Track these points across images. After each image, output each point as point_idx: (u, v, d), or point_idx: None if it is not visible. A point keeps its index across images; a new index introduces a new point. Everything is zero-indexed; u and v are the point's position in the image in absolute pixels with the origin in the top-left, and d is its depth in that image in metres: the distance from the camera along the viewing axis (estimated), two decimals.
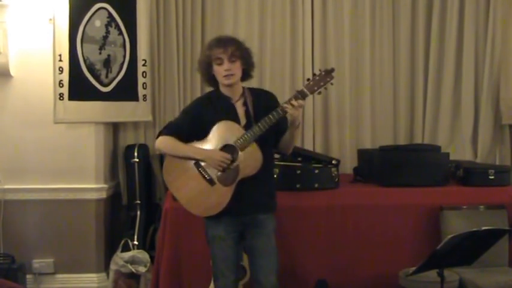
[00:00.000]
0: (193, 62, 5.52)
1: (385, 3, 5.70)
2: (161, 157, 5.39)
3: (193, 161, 3.58)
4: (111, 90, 5.18)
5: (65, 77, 4.99)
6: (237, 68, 3.55)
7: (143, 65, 5.28)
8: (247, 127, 3.52)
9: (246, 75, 3.64)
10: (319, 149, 5.58)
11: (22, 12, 5.04)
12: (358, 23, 5.69)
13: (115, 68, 5.19)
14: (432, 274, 3.51)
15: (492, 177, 4.74)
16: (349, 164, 5.45)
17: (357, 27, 5.69)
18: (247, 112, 3.59)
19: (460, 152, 5.65)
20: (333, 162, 4.69)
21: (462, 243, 3.40)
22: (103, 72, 5.14)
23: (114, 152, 5.52)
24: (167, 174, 3.70)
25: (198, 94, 5.53)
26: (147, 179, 5.42)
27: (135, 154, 5.33)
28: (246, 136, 3.47)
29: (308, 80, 3.51)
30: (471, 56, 5.64)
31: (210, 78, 3.64)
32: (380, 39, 5.72)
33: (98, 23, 5.09)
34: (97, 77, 5.11)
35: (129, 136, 5.51)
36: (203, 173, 3.56)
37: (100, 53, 5.12)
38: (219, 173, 3.53)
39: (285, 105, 3.42)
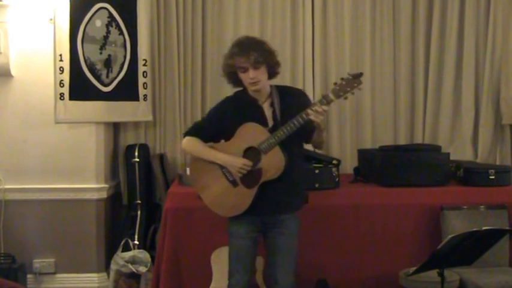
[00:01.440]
0: (194, 62, 5.55)
1: (386, 4, 5.70)
2: (161, 157, 5.41)
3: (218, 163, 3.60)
4: (111, 90, 5.19)
5: (66, 77, 4.99)
6: (262, 74, 3.49)
7: (144, 64, 5.29)
8: (273, 129, 3.49)
9: (272, 74, 3.59)
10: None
11: (23, 12, 5.04)
12: (358, 23, 5.69)
13: (115, 68, 5.19)
14: (433, 274, 3.51)
15: (492, 177, 4.73)
16: (349, 164, 5.45)
17: (357, 27, 5.69)
18: (274, 114, 3.56)
19: (461, 152, 5.65)
20: (334, 162, 4.69)
21: (462, 243, 3.40)
22: (103, 72, 5.14)
23: (115, 151, 5.53)
24: (193, 174, 3.72)
25: (199, 94, 5.55)
26: (148, 179, 5.42)
27: (136, 154, 5.33)
28: (270, 140, 3.44)
29: (335, 84, 3.43)
30: (471, 56, 5.64)
31: (236, 81, 3.60)
32: (380, 40, 5.72)
33: (99, 22, 5.10)
34: (98, 77, 5.12)
35: (130, 136, 5.52)
36: (227, 174, 3.57)
37: (101, 53, 5.12)
38: (243, 175, 3.53)
39: (309, 111, 3.37)
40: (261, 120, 3.54)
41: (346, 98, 3.45)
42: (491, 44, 5.56)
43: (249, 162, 3.49)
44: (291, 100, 3.59)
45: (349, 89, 3.39)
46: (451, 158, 4.99)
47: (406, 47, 5.72)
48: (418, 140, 5.70)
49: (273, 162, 3.47)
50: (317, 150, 4.17)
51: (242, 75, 3.50)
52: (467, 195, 4.65)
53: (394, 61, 5.74)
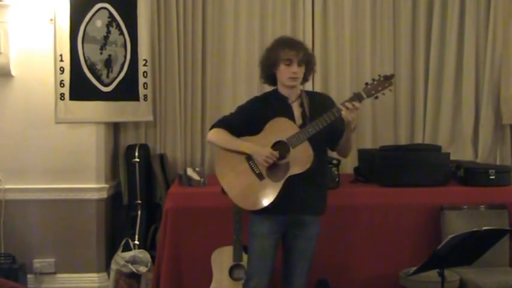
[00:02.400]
0: (194, 62, 5.54)
1: (386, 4, 5.70)
2: (161, 157, 5.41)
3: (245, 155, 3.58)
4: (112, 90, 5.19)
5: (66, 77, 4.99)
6: (302, 72, 3.57)
7: (144, 65, 5.29)
8: (302, 128, 3.51)
9: (305, 78, 3.68)
10: None
11: (23, 12, 5.04)
12: (358, 24, 5.69)
13: (116, 68, 5.19)
14: (433, 274, 3.51)
15: (493, 177, 4.73)
16: (349, 164, 5.43)
17: (358, 28, 5.69)
18: (303, 113, 3.59)
19: (461, 152, 5.66)
20: (334, 162, 4.69)
21: (463, 243, 3.39)
22: (104, 72, 5.14)
23: (115, 152, 5.53)
24: (219, 168, 3.69)
25: (199, 94, 5.56)
26: (148, 179, 5.42)
27: (136, 154, 5.33)
28: (299, 134, 3.46)
29: (366, 84, 3.49)
30: (472, 55, 5.64)
31: (269, 75, 3.65)
32: (380, 39, 5.72)
33: (99, 23, 5.10)
34: (98, 77, 5.12)
35: (130, 136, 5.53)
36: (253, 167, 3.56)
37: (101, 53, 5.12)
38: (270, 168, 3.53)
39: (341, 106, 3.41)
40: (290, 118, 3.57)
41: (376, 98, 3.53)
42: (492, 43, 5.56)
43: (276, 153, 3.49)
44: (320, 101, 3.66)
45: (380, 88, 3.47)
46: (451, 158, 5.00)
47: (407, 47, 5.72)
48: (419, 140, 5.70)
49: (301, 157, 3.47)
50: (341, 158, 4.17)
51: (283, 68, 3.54)
52: (467, 195, 4.65)
53: (394, 61, 5.74)
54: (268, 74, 3.65)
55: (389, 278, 4.39)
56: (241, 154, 3.59)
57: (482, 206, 4.56)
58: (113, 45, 5.17)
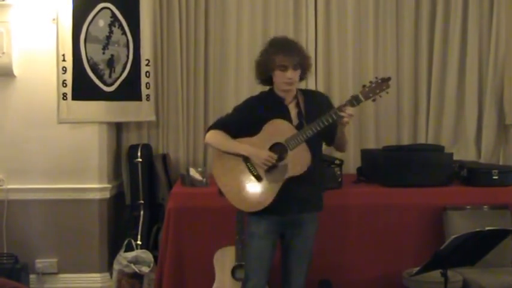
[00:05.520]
0: (197, 62, 5.55)
1: (389, 5, 5.69)
2: (164, 157, 5.41)
3: (242, 157, 3.57)
4: (114, 90, 5.19)
5: (69, 76, 4.98)
6: (297, 76, 3.56)
7: (146, 64, 5.29)
8: (298, 128, 3.51)
9: (302, 78, 3.67)
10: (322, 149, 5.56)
11: (25, 12, 5.04)
12: (361, 23, 5.69)
13: (118, 68, 5.19)
14: (436, 274, 3.51)
15: (496, 177, 4.73)
16: (352, 164, 5.45)
17: (360, 27, 5.69)
18: (299, 113, 3.58)
19: (464, 152, 5.65)
20: (336, 162, 4.69)
21: (466, 243, 3.39)
22: (106, 72, 5.14)
23: (118, 151, 5.53)
24: (216, 169, 3.68)
25: (202, 94, 5.55)
26: (151, 179, 5.42)
27: (139, 154, 5.33)
28: (298, 136, 3.46)
29: (364, 86, 3.48)
30: (475, 56, 5.64)
31: (266, 78, 3.64)
32: (383, 40, 5.72)
33: (102, 22, 5.10)
34: (100, 77, 5.11)
35: (133, 136, 5.53)
36: (251, 168, 3.55)
37: (103, 53, 5.12)
38: (268, 170, 3.52)
39: (341, 113, 3.41)
40: (286, 118, 3.56)
41: (374, 100, 3.51)
42: (495, 44, 5.56)
43: (274, 155, 3.49)
44: (316, 102, 3.65)
45: (378, 91, 3.46)
46: (455, 158, 4.99)
47: (410, 46, 5.72)
48: (422, 140, 5.70)
49: (299, 159, 3.47)
50: (338, 152, 4.17)
51: (279, 73, 3.53)
52: (470, 196, 4.65)
53: (398, 61, 5.74)
54: (264, 77, 3.64)
55: (392, 278, 4.38)
56: (238, 156, 3.58)
57: (485, 206, 4.56)
58: (116, 45, 5.17)
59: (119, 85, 5.21)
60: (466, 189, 4.74)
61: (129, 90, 5.25)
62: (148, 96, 5.32)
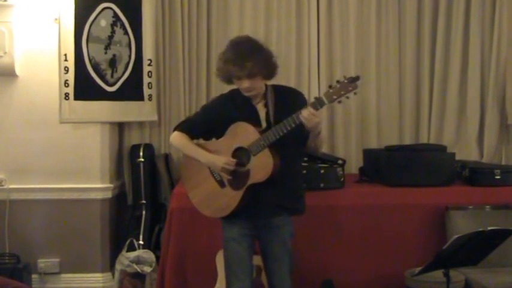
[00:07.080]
0: (199, 62, 5.55)
1: (391, 4, 5.69)
2: (166, 157, 5.41)
3: None
4: (116, 90, 5.19)
5: (71, 76, 4.99)
6: (257, 82, 3.36)
7: (149, 64, 5.29)
8: (266, 130, 3.35)
9: (269, 78, 3.46)
10: (324, 149, 5.56)
11: (27, 12, 5.05)
12: (363, 23, 5.68)
13: (120, 68, 5.20)
14: (438, 274, 3.50)
15: (498, 177, 4.72)
16: (354, 164, 5.44)
17: (363, 28, 5.68)
18: (267, 115, 3.43)
19: (466, 152, 5.64)
20: (339, 162, 4.68)
21: (468, 243, 3.38)
22: (108, 72, 5.14)
23: (120, 151, 5.53)
24: (184, 171, 3.66)
25: (204, 94, 5.55)
26: (153, 179, 5.42)
27: (141, 154, 5.33)
28: (260, 142, 3.30)
29: (330, 86, 3.24)
30: (477, 56, 5.63)
31: (230, 81, 3.49)
32: (386, 40, 5.71)
33: (104, 22, 5.10)
34: (102, 77, 5.12)
35: (135, 136, 5.52)
36: (214, 174, 3.50)
37: (105, 53, 5.13)
38: (230, 176, 3.43)
39: (300, 114, 3.19)
40: (255, 120, 3.44)
41: (339, 102, 3.25)
42: (497, 44, 5.55)
43: (232, 162, 3.37)
44: (286, 101, 3.46)
45: (343, 92, 3.20)
46: (457, 158, 4.98)
47: (412, 46, 5.71)
48: (424, 139, 5.69)
49: (262, 165, 3.32)
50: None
51: (236, 81, 3.41)
52: (472, 195, 4.64)
53: (400, 61, 5.73)
54: (227, 80, 3.50)
55: (395, 278, 4.37)
56: None
57: (487, 206, 4.55)
58: (118, 45, 5.18)
59: (121, 85, 5.21)
60: (468, 189, 4.73)
61: (131, 90, 5.26)
62: (150, 96, 5.33)
